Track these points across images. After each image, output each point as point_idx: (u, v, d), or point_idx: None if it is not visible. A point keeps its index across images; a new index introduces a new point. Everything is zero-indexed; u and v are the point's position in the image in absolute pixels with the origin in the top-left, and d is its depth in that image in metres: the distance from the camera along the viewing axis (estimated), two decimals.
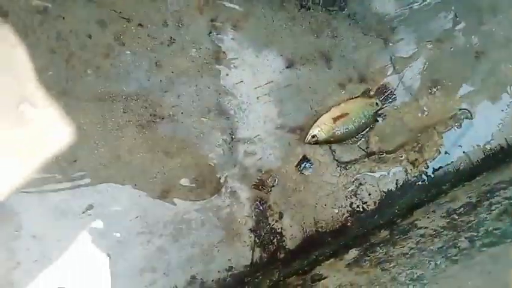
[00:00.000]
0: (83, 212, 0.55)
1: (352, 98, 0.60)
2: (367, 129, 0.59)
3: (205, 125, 0.58)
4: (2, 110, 0.54)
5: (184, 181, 0.57)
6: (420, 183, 0.62)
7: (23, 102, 0.55)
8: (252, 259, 0.58)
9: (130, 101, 0.57)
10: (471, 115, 0.62)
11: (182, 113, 0.58)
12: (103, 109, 0.57)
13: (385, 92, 0.61)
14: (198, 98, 0.59)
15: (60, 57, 0.57)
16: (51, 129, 0.55)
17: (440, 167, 0.62)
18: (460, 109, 0.62)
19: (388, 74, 0.62)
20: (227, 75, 0.60)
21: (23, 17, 0.56)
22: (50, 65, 0.56)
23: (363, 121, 0.58)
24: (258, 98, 0.60)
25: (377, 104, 0.60)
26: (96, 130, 0.56)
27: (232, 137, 0.59)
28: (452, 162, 0.62)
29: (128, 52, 0.58)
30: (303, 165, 0.59)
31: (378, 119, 0.60)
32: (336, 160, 0.60)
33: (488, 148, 0.63)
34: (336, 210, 0.59)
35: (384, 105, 0.61)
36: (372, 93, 0.61)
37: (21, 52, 0.56)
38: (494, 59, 0.62)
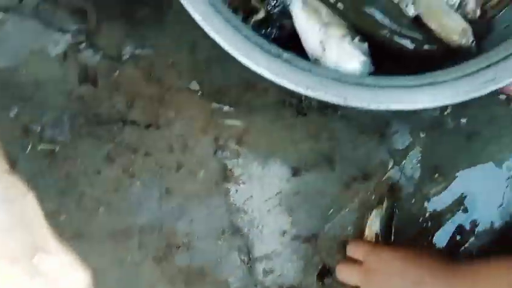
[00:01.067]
0: None
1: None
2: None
3: (221, 247, 0.59)
4: (16, 265, 0.54)
5: None
6: None
7: (37, 252, 0.54)
8: None
9: (144, 235, 0.57)
10: (473, 199, 0.64)
11: (197, 237, 0.59)
12: (118, 248, 0.56)
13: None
14: (210, 220, 0.59)
15: (71, 198, 0.57)
16: (67, 277, 0.54)
17: None
18: (462, 194, 0.64)
19: (389, 167, 0.65)
20: (236, 191, 0.61)
21: (31, 163, 0.57)
22: (61, 209, 0.56)
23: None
24: (268, 210, 0.61)
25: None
26: (114, 271, 0.56)
27: (249, 256, 0.59)
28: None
29: (138, 183, 0.59)
30: (323, 275, 0.60)
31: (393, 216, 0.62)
32: None
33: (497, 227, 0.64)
34: None
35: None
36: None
37: (32, 199, 0.56)
38: (484, 137, 0.66)
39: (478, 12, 0.55)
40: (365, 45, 0.49)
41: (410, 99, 0.44)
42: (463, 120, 0.66)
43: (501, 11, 0.55)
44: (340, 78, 0.45)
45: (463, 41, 0.53)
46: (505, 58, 0.45)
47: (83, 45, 0.63)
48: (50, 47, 0.62)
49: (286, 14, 0.55)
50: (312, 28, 0.52)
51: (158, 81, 0.63)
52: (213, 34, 0.45)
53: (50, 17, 0.63)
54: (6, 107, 0.60)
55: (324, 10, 0.52)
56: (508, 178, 0.64)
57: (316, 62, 0.51)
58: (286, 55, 0.45)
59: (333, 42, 0.50)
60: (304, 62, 0.46)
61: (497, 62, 0.45)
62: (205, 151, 0.61)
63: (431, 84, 0.45)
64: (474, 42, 0.53)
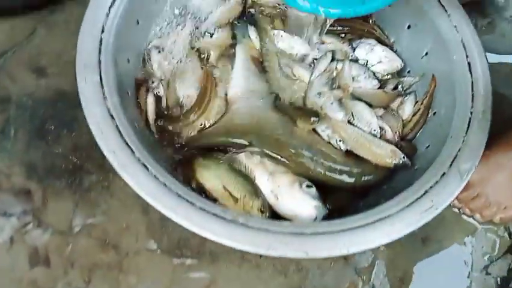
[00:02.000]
0: None
1: None
2: None
3: None
4: None
5: None
6: None
7: None
8: None
9: None
10: None
11: None
12: None
13: None
14: None
15: None
16: None
17: None
18: None
19: (359, 286, 0.65)
20: None
21: None
22: None
23: None
24: None
25: None
26: None
27: None
28: None
29: None
30: None
31: None
32: None
33: None
34: None
35: None
36: None
37: None
38: (437, 239, 0.69)
39: (397, 138, 0.61)
40: (313, 189, 0.52)
41: (366, 240, 0.46)
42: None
43: (416, 134, 0.62)
44: (297, 231, 0.46)
45: (396, 161, 0.58)
46: (436, 183, 0.50)
47: (30, 225, 0.61)
48: None
49: None
50: (261, 178, 0.55)
51: (115, 248, 0.61)
52: (167, 212, 0.46)
53: None
54: None
55: (267, 160, 0.56)
56: (469, 275, 0.67)
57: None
58: (241, 218, 0.46)
59: (283, 192, 0.52)
60: (260, 220, 0.47)
61: (431, 187, 0.50)
62: None
63: (380, 220, 0.47)
64: (405, 157, 0.59)
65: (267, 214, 0.51)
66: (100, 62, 0.50)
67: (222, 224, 0.45)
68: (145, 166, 0.47)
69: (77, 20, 0.70)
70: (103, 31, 0.52)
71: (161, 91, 0.58)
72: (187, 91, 0.58)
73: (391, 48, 0.70)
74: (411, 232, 0.68)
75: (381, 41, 0.70)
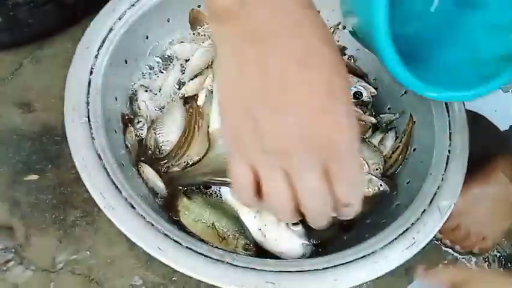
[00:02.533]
0: None
1: None
2: None
3: None
4: None
5: None
6: None
7: None
8: None
9: None
10: None
11: None
12: None
13: None
14: None
15: None
16: None
17: None
18: None
19: None
20: None
21: None
22: None
23: None
24: None
25: None
26: None
27: None
28: None
29: None
30: None
31: None
32: None
33: None
34: None
35: None
36: None
37: None
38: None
39: (378, 174, 0.63)
40: (300, 227, 0.53)
41: (351, 277, 0.47)
42: None
43: (396, 170, 0.64)
44: (282, 269, 0.47)
45: (375, 189, 0.60)
46: (417, 220, 0.51)
47: (12, 263, 0.60)
48: None
49: None
50: (248, 216, 0.55)
51: (99, 284, 0.61)
52: (152, 252, 0.46)
53: None
54: None
55: None
56: None
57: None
58: (227, 258, 0.46)
59: (270, 230, 0.53)
60: (246, 259, 0.48)
61: (413, 224, 0.51)
62: None
63: (364, 257, 0.49)
64: (382, 185, 0.60)
65: (253, 251, 0.52)
66: (88, 103, 0.51)
67: (207, 264, 0.46)
68: (132, 205, 0.47)
69: (66, 54, 0.72)
70: (91, 73, 0.53)
71: (144, 132, 0.58)
72: (167, 137, 0.59)
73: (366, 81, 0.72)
74: None
75: (356, 74, 0.72)
